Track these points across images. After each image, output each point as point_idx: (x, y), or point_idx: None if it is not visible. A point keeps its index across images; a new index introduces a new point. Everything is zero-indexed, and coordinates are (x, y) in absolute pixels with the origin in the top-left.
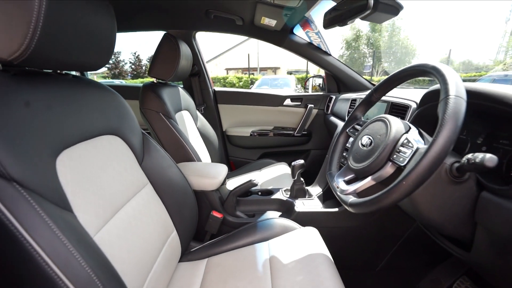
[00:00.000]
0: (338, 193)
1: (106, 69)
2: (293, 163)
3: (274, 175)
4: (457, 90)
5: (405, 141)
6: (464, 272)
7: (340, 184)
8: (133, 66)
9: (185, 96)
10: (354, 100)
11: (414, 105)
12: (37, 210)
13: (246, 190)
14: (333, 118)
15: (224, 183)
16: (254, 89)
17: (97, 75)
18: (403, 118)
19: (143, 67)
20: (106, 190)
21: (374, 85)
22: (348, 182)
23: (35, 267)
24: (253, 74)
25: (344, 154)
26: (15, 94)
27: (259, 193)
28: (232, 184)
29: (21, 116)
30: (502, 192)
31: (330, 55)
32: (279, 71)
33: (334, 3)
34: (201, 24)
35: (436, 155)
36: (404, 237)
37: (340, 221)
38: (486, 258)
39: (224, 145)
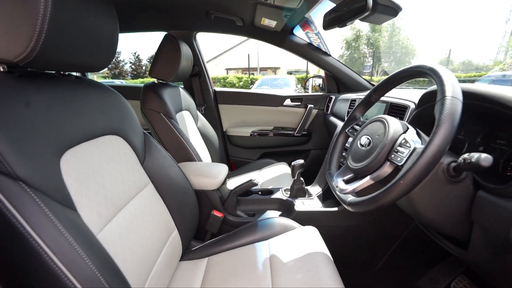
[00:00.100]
0: (337, 192)
1: (106, 69)
2: (293, 163)
3: (274, 175)
4: (453, 91)
5: (403, 141)
6: (462, 271)
7: (339, 183)
8: (133, 66)
9: (185, 96)
10: (353, 100)
11: (412, 106)
12: (43, 208)
13: (247, 190)
14: (332, 118)
15: (224, 182)
16: (254, 89)
17: (97, 75)
18: (401, 118)
19: (143, 67)
20: (108, 190)
21: (373, 85)
22: (347, 182)
23: (41, 264)
24: (253, 74)
25: (344, 154)
26: (20, 95)
27: (259, 193)
28: (233, 183)
29: (26, 117)
30: (498, 191)
31: (329, 55)
32: (279, 71)
33: (334, 4)
34: (201, 24)
35: (432, 154)
36: (403, 236)
37: (340, 220)
38: (482, 256)
39: (225, 145)
